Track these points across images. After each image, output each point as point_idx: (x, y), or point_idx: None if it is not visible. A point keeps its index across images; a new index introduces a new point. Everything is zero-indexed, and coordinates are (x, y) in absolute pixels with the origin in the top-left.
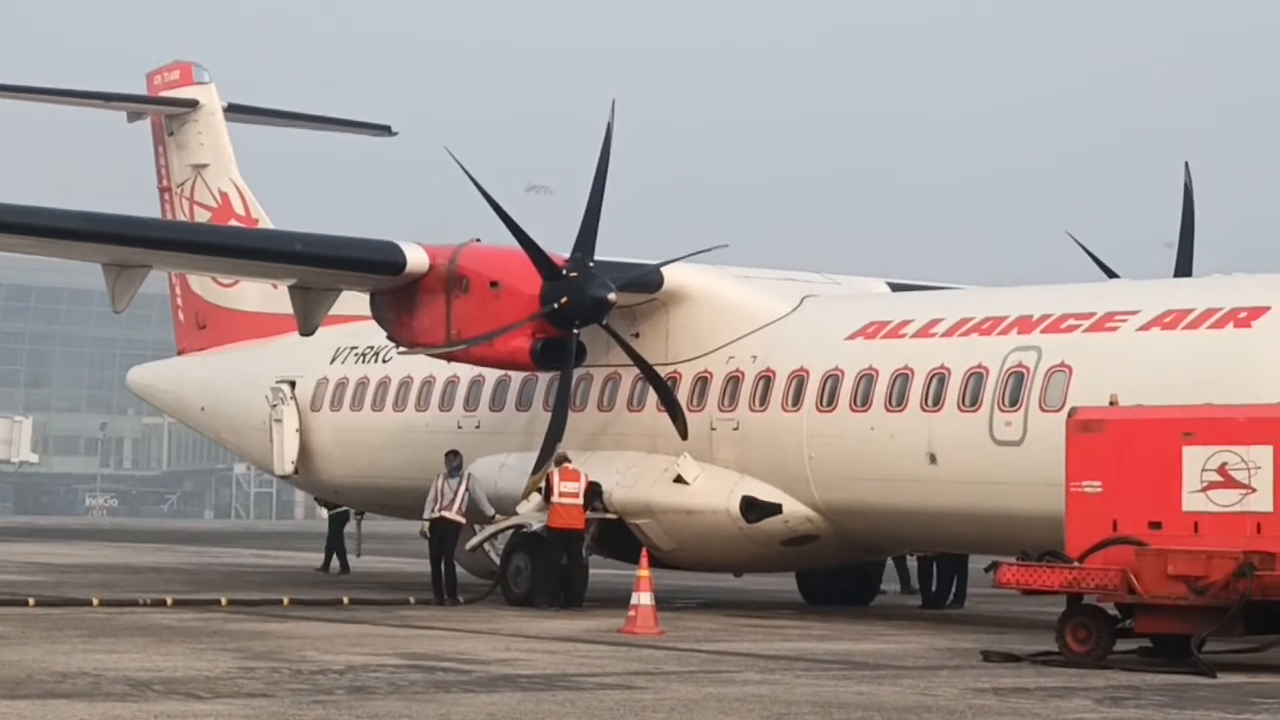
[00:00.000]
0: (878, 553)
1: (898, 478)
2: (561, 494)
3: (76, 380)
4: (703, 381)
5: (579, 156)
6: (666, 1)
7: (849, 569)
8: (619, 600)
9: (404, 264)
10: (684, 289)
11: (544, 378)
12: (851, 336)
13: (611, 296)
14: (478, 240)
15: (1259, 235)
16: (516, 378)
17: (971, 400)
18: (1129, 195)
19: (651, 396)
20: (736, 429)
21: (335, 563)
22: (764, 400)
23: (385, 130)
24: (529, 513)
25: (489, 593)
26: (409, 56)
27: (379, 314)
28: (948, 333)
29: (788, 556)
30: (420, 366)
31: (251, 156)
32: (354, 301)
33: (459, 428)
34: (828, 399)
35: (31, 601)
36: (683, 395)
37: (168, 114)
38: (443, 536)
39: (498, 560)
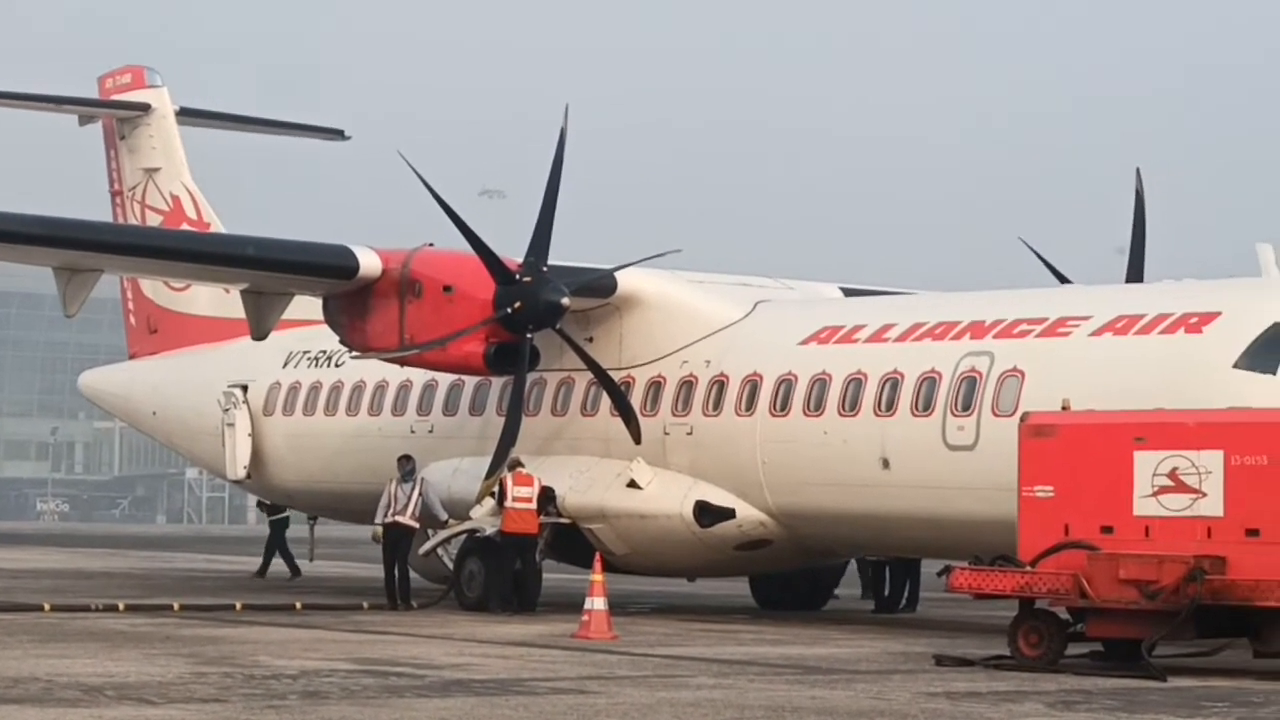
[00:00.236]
0: (831, 557)
1: (851, 482)
2: (515, 499)
3: (28, 385)
4: (656, 386)
5: (533, 160)
6: (620, 3)
7: (802, 574)
8: (572, 605)
9: (357, 268)
10: (638, 294)
11: (497, 382)
12: (805, 341)
13: (565, 301)
14: (431, 245)
15: (1211, 241)
16: (470, 382)
17: (924, 405)
18: (1081, 201)
19: (605, 401)
20: (690, 434)
21: (285, 568)
22: (717, 405)
23: (338, 134)
24: (482, 518)
25: (442, 598)
26: (362, 60)
27: (332, 318)
28: (901, 338)
29: (741, 561)
30: (373, 371)
31: (203, 160)
32: (307, 306)
33: (412, 432)
34: (781, 404)
35: None
36: (636, 400)
37: (119, 117)
38: (396, 541)
39: (451, 565)
